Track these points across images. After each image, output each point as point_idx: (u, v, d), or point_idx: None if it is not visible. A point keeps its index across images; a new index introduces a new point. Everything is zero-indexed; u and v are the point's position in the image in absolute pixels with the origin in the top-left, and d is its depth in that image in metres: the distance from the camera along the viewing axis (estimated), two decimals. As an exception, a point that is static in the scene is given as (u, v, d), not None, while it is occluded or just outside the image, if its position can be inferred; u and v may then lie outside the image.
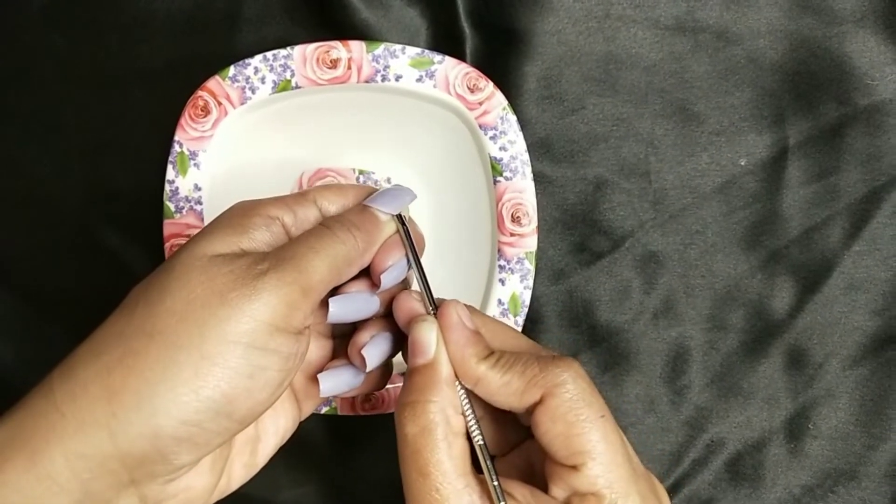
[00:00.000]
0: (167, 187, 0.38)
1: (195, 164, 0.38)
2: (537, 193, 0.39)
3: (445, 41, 0.40)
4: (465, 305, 0.30)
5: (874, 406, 0.42)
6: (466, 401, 0.29)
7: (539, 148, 0.41)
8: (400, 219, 0.31)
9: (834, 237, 0.42)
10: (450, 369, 0.29)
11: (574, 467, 0.28)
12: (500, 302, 0.39)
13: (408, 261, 0.31)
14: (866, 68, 0.41)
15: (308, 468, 0.42)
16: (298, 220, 0.30)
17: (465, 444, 0.28)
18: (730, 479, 0.42)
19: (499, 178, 0.38)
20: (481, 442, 0.28)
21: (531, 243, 0.39)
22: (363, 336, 0.31)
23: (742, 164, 0.42)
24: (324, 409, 0.39)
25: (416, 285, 0.32)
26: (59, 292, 0.41)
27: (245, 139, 0.38)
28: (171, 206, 0.38)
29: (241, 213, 0.29)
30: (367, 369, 0.30)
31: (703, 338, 0.42)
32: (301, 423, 0.41)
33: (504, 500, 0.27)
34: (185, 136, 0.38)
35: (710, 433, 0.42)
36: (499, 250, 0.39)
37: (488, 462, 0.28)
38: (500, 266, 0.39)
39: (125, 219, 0.41)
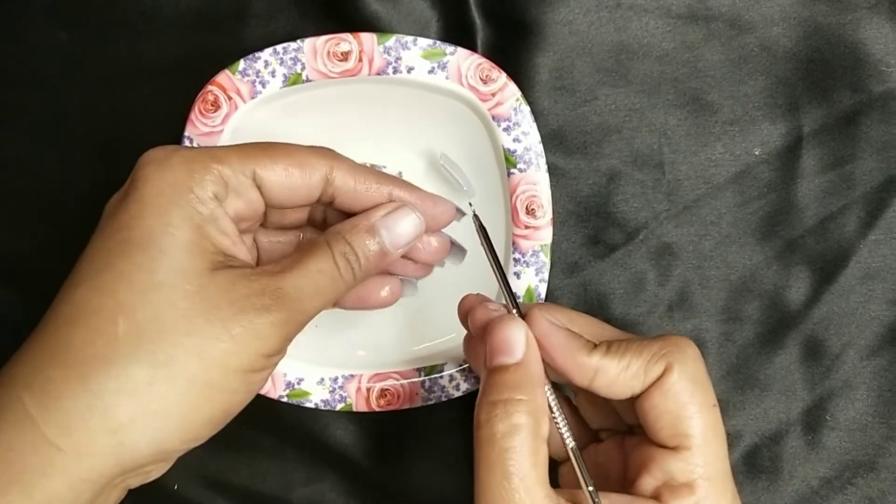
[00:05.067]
0: (177, 183, 0.38)
1: (205, 160, 0.37)
2: (550, 186, 0.39)
3: (456, 33, 0.40)
4: (548, 304, 0.30)
5: (892, 396, 0.42)
6: (556, 403, 0.28)
7: (552, 140, 0.40)
8: (479, 223, 0.31)
9: (850, 226, 0.41)
10: (541, 369, 0.28)
11: (675, 449, 0.27)
12: (515, 296, 0.38)
13: (489, 262, 0.31)
14: (881, 55, 0.41)
15: (322, 465, 0.42)
16: (234, 195, 0.28)
17: (547, 452, 0.27)
18: (747, 472, 0.42)
19: (513, 170, 0.38)
20: (573, 445, 0.27)
21: (546, 236, 0.38)
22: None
23: (756, 153, 0.41)
24: (338, 406, 0.39)
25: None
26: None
27: (255, 134, 0.38)
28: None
29: (190, 202, 0.27)
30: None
31: (719, 329, 0.42)
32: (314, 419, 0.41)
33: None
34: (195, 131, 0.37)
35: (726, 426, 0.41)
36: (513, 243, 0.38)
37: (583, 467, 0.27)
38: (514, 259, 0.38)
39: (135, 216, 0.41)
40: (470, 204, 0.33)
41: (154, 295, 0.25)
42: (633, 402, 0.28)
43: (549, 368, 0.29)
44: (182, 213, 0.26)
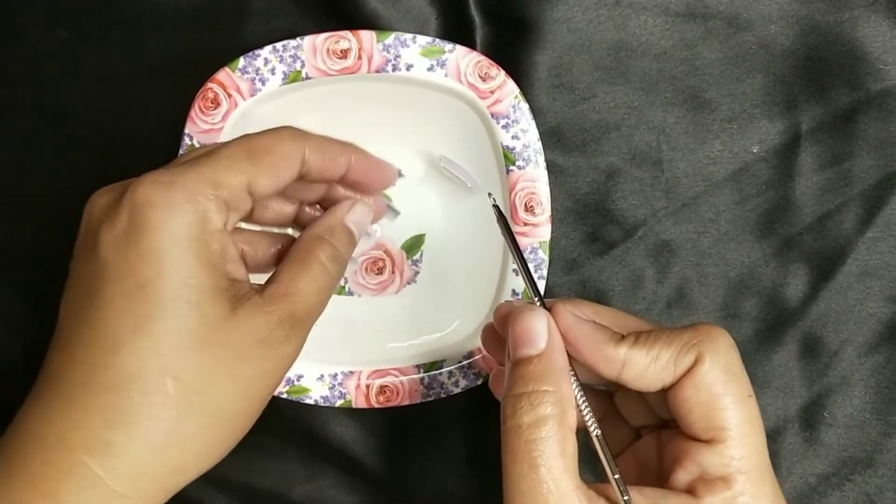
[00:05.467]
0: (177, 181, 0.38)
1: (205, 157, 0.37)
2: (549, 183, 0.39)
3: (455, 30, 0.40)
4: (573, 299, 0.30)
5: (889, 393, 0.42)
6: (580, 392, 0.27)
7: (550, 137, 0.41)
8: (500, 214, 0.32)
9: (847, 224, 0.42)
10: (565, 360, 0.28)
11: (709, 442, 0.26)
12: (514, 292, 0.39)
13: (511, 254, 0.32)
14: (878, 53, 0.41)
15: (321, 462, 0.42)
16: (233, 212, 0.29)
17: (576, 443, 0.26)
18: (745, 469, 0.42)
19: (511, 168, 0.38)
20: (599, 433, 0.27)
21: (545, 233, 0.38)
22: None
23: (754, 151, 0.41)
24: (338, 403, 0.39)
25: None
26: (69, 288, 0.41)
27: (255, 131, 0.38)
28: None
29: (206, 245, 0.27)
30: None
31: (717, 327, 0.42)
32: (314, 416, 0.41)
33: (628, 495, 0.26)
34: (196, 128, 0.37)
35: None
36: (512, 240, 0.38)
37: (608, 454, 0.26)
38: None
39: (135, 213, 0.41)
40: (489, 195, 0.33)
41: (194, 353, 0.27)
42: (665, 394, 0.28)
43: (577, 363, 0.29)
44: (199, 258, 0.27)
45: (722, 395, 0.26)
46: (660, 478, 0.28)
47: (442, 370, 0.39)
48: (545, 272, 0.39)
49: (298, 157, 0.30)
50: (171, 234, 0.27)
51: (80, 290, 0.28)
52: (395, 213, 0.39)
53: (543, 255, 0.38)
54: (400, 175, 0.37)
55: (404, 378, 0.39)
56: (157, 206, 0.27)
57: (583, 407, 0.27)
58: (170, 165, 0.29)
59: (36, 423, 0.27)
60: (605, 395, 0.33)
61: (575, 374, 0.28)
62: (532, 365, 0.27)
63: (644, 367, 0.27)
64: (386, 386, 0.39)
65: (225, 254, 0.28)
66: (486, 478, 0.42)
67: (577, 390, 0.28)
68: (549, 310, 0.29)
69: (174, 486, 0.28)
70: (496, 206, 0.32)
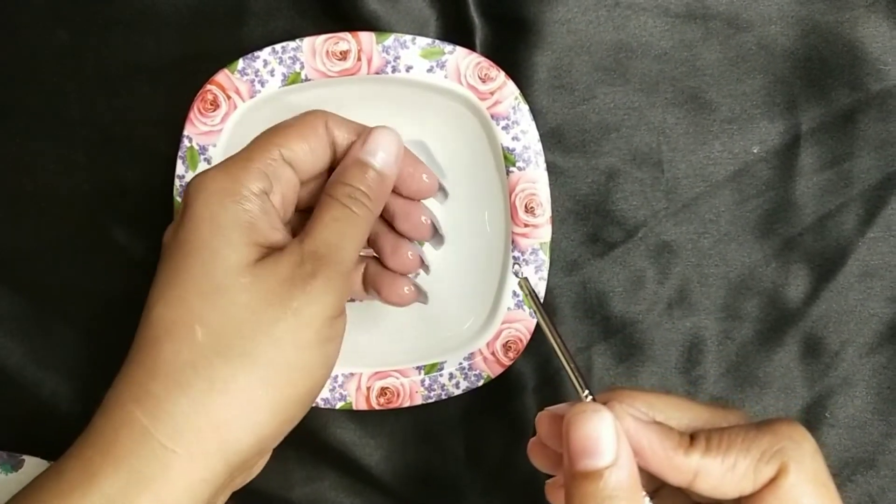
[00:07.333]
0: (177, 182, 0.38)
1: (205, 159, 0.38)
2: (549, 184, 0.39)
3: (455, 32, 0.40)
4: (622, 390, 0.26)
5: (891, 394, 0.42)
6: None
7: (550, 138, 0.40)
8: (529, 288, 0.30)
9: (848, 224, 0.41)
10: (636, 470, 0.24)
11: None
12: (514, 294, 0.39)
13: (552, 343, 0.28)
14: (878, 53, 0.41)
15: (322, 463, 0.42)
16: (275, 181, 0.30)
17: None
18: (747, 470, 0.42)
19: (512, 169, 0.38)
20: None
21: (545, 234, 0.38)
22: None
23: (755, 151, 0.41)
24: (338, 405, 0.39)
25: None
26: (67, 289, 0.41)
27: (255, 133, 0.38)
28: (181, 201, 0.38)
29: (237, 202, 0.28)
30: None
31: (718, 327, 0.42)
32: (314, 418, 0.41)
33: None
34: (195, 130, 0.37)
35: (726, 424, 0.42)
36: (513, 241, 0.38)
37: None
38: (514, 257, 0.38)
39: (133, 215, 0.41)
40: (516, 272, 0.32)
41: (218, 297, 0.27)
42: (740, 501, 0.25)
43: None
44: (230, 214, 0.28)
45: None
46: None
47: (442, 372, 0.39)
48: (546, 273, 0.39)
49: (321, 123, 0.31)
50: (206, 197, 0.28)
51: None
52: (442, 238, 0.35)
53: (544, 257, 0.38)
54: (444, 194, 0.34)
55: (405, 380, 0.39)
56: (196, 181, 0.29)
57: None
58: None
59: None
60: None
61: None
62: (602, 480, 0.23)
63: (719, 476, 0.24)
64: (386, 388, 0.39)
65: (264, 216, 0.29)
66: (487, 479, 0.41)
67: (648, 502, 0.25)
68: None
69: (219, 449, 0.27)
70: (526, 280, 0.30)
